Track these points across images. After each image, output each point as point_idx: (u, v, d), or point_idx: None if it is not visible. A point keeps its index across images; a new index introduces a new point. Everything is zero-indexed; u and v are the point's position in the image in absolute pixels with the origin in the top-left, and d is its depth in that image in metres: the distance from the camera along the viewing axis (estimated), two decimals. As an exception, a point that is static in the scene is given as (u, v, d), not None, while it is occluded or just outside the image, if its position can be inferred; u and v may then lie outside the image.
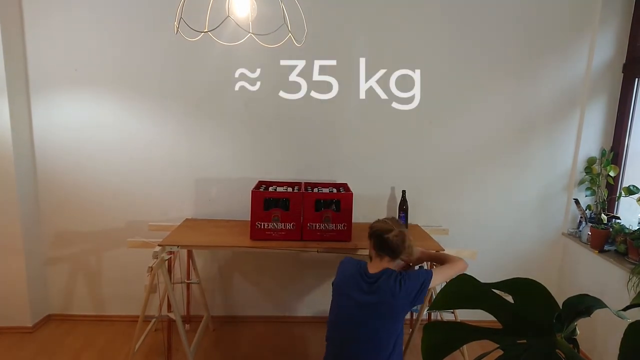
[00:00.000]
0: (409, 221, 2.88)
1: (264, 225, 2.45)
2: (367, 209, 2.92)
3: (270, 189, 2.57)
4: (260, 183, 2.69)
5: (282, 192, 2.51)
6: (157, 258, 2.26)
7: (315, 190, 2.59)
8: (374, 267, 1.85)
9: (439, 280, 1.87)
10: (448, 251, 2.33)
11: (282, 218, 2.44)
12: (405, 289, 1.76)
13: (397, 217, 2.88)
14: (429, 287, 1.81)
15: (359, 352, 1.78)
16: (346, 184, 2.73)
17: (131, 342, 2.40)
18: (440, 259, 2.07)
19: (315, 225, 2.46)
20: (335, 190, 2.60)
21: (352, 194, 2.49)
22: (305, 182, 2.74)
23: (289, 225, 2.46)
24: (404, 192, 2.83)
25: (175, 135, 2.85)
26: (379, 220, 1.97)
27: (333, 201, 2.50)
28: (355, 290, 1.81)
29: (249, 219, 2.46)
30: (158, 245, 2.33)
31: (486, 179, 3.00)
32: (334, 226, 2.47)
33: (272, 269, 3.08)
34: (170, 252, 2.37)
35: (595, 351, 2.69)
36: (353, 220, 2.50)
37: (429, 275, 1.84)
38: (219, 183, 2.93)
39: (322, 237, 2.47)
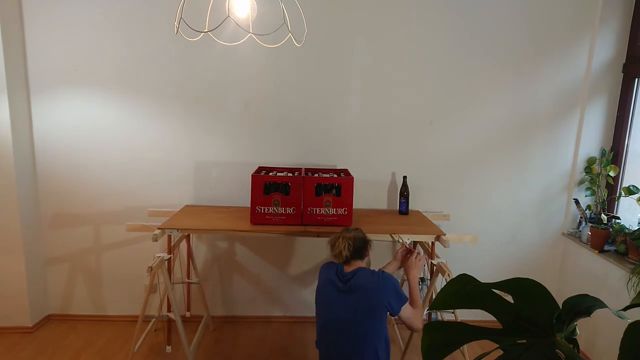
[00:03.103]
0: (409, 207, 2.89)
1: (264, 209, 2.44)
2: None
3: (271, 174, 2.56)
4: (261, 169, 2.69)
5: (283, 176, 2.51)
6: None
7: (316, 175, 2.57)
8: (348, 268, 1.95)
9: (406, 312, 1.90)
10: (449, 235, 2.37)
11: (283, 202, 2.44)
12: (384, 280, 1.86)
13: (398, 203, 2.88)
14: (398, 310, 1.87)
15: (347, 351, 1.84)
16: (347, 169, 2.73)
17: (131, 342, 2.40)
18: (412, 294, 2.07)
19: (316, 210, 2.46)
20: (335, 176, 2.60)
21: (352, 178, 2.48)
22: (305, 168, 2.73)
23: (289, 210, 2.45)
24: (404, 177, 2.83)
25: (175, 133, 2.85)
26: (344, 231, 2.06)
27: (334, 186, 2.49)
28: (334, 290, 1.90)
29: (249, 206, 2.46)
30: (157, 228, 2.32)
31: (486, 179, 3.00)
32: (334, 211, 2.46)
33: (272, 268, 3.08)
34: (170, 237, 2.37)
35: (595, 351, 2.69)
36: (354, 207, 2.49)
37: (404, 294, 1.90)
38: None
39: (323, 222, 2.47)
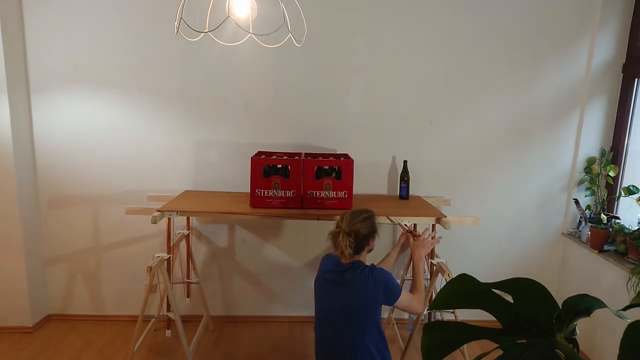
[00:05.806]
0: (410, 193, 2.88)
1: (263, 192, 2.44)
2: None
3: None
4: (260, 152, 2.68)
5: (282, 159, 2.49)
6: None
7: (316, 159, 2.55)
8: (346, 260, 1.92)
9: (403, 301, 1.87)
10: (450, 218, 2.37)
11: (282, 185, 2.43)
12: (374, 278, 1.82)
13: (398, 188, 2.88)
14: (392, 303, 1.85)
15: (337, 340, 1.87)
16: (347, 154, 2.73)
17: (131, 342, 2.40)
18: (415, 276, 2.06)
19: (316, 193, 2.46)
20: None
21: (352, 160, 2.47)
22: (305, 153, 2.72)
23: (289, 193, 2.44)
24: (405, 162, 2.83)
25: (176, 132, 2.86)
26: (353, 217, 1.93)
27: (334, 169, 2.48)
28: (328, 281, 1.91)
29: (249, 191, 2.45)
30: (157, 210, 2.31)
31: (486, 179, 3.00)
32: (334, 194, 2.46)
33: (272, 267, 3.08)
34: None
35: (595, 351, 2.69)
36: (354, 192, 2.49)
37: (397, 288, 1.86)
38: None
39: (323, 205, 2.46)
